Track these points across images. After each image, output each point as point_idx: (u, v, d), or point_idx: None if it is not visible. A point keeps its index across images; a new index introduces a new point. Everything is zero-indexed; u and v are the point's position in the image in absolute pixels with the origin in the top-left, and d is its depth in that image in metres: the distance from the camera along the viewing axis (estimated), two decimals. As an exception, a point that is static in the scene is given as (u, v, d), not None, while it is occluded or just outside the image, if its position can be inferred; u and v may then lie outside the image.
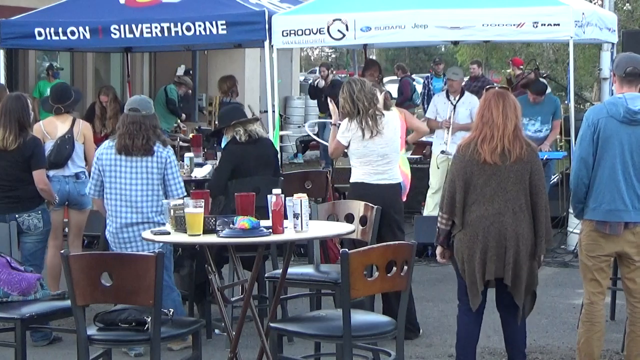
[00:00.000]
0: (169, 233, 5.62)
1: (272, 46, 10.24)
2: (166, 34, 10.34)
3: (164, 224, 6.17)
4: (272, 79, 10.41)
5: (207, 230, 5.44)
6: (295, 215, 5.45)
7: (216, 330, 7.26)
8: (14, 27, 10.93)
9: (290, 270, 6.15)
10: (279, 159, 8.58)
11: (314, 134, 16.18)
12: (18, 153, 7.03)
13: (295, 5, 11.20)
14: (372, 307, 6.56)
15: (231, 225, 5.36)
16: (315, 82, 18.41)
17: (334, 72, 23.80)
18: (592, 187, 5.83)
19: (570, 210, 9.61)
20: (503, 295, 5.88)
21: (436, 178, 10.77)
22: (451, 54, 36.28)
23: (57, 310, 5.82)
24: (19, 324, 5.61)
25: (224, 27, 10.22)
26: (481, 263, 5.74)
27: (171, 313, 5.25)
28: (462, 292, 5.93)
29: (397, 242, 5.87)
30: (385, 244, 5.37)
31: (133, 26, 10.41)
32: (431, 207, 10.71)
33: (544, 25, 9.63)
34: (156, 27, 10.35)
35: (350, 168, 7.11)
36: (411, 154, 12.08)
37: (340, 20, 10.06)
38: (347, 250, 4.86)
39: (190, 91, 16.21)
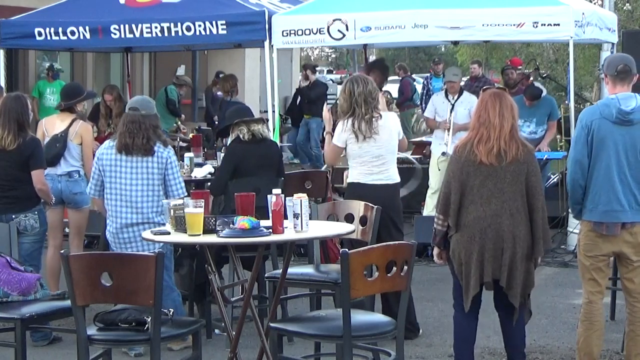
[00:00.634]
0: (169, 233, 5.62)
1: (272, 46, 10.24)
2: (166, 34, 10.35)
3: (164, 224, 6.17)
4: (272, 79, 10.42)
5: (207, 230, 5.44)
6: (295, 215, 5.45)
7: (216, 330, 7.26)
8: (14, 27, 10.94)
9: (290, 270, 6.15)
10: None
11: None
12: (17, 153, 7.02)
13: (295, 5, 11.21)
14: (372, 307, 6.56)
15: (231, 225, 5.36)
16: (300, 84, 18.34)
17: (327, 71, 23.72)
18: (588, 188, 5.83)
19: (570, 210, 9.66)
20: (502, 296, 5.88)
21: (436, 178, 10.76)
22: (451, 54, 36.30)
23: (57, 310, 5.81)
24: (19, 324, 5.61)
25: (224, 27, 10.22)
26: (478, 264, 5.74)
27: (171, 313, 5.25)
28: (457, 293, 5.93)
29: (397, 242, 5.86)
30: (385, 244, 5.37)
31: (133, 26, 10.41)
32: (431, 207, 10.70)
33: (544, 25, 9.64)
34: (156, 27, 10.36)
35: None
36: (411, 154, 12.08)
37: (340, 20, 10.07)
38: (347, 250, 4.86)
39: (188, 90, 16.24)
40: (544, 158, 10.45)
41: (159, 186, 6.67)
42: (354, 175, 6.99)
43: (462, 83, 12.21)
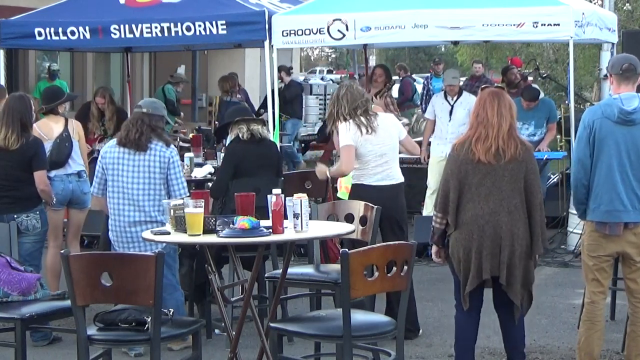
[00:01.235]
0: (169, 233, 5.62)
1: (272, 46, 10.23)
2: (166, 34, 10.34)
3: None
4: (272, 79, 10.42)
5: (207, 230, 5.44)
6: (295, 215, 5.46)
7: (216, 330, 7.26)
8: (14, 27, 10.92)
9: (290, 270, 6.15)
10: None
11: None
12: (20, 153, 7.03)
13: (295, 5, 11.19)
14: (373, 307, 6.56)
15: (231, 225, 5.36)
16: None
17: (327, 71, 23.72)
18: (591, 188, 5.84)
19: (571, 210, 9.66)
20: (501, 295, 5.88)
21: (435, 178, 10.76)
22: (451, 54, 36.31)
23: (57, 310, 5.82)
24: (19, 324, 5.61)
25: (224, 27, 10.21)
26: (476, 262, 5.74)
27: (171, 313, 5.25)
28: (458, 292, 5.93)
29: (397, 242, 5.86)
30: (385, 244, 5.38)
31: (133, 26, 10.40)
32: (430, 207, 10.69)
33: (544, 25, 9.63)
34: (156, 27, 10.35)
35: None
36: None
37: (340, 20, 10.06)
38: (347, 250, 4.86)
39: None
40: (544, 158, 10.45)
41: (161, 185, 6.69)
42: (357, 176, 7.00)
43: (461, 83, 12.20)
